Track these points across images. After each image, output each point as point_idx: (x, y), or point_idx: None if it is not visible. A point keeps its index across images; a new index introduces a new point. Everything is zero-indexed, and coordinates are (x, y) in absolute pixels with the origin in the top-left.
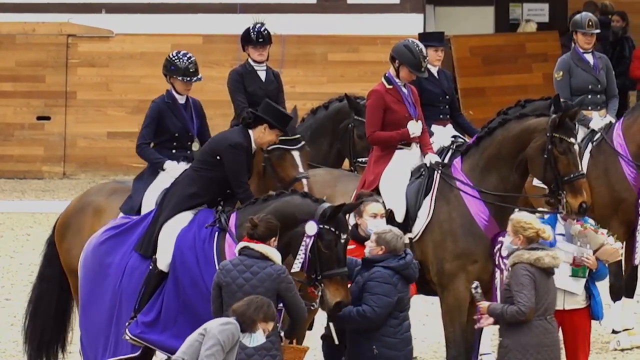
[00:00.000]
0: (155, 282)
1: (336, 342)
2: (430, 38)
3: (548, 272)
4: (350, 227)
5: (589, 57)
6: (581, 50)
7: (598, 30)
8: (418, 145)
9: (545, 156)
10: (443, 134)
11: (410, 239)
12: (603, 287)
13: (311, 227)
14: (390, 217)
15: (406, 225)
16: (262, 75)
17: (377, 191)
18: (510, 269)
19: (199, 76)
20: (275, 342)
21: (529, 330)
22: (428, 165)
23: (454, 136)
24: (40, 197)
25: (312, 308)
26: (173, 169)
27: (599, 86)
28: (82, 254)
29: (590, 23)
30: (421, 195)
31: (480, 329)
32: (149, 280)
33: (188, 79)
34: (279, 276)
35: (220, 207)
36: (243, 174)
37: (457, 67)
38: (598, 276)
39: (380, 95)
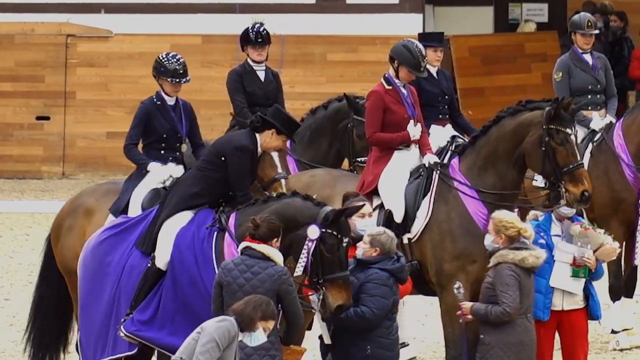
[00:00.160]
0: (152, 280)
1: (327, 341)
2: (429, 38)
3: (531, 271)
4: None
5: (587, 58)
6: (580, 51)
7: (597, 31)
8: (417, 146)
9: (543, 149)
10: (442, 134)
11: (409, 239)
12: (602, 287)
13: (313, 231)
14: (389, 218)
15: (405, 225)
16: (261, 75)
17: (376, 191)
18: (492, 268)
19: (187, 78)
20: (275, 342)
21: (512, 329)
22: (427, 165)
23: (453, 136)
24: (40, 197)
25: (312, 311)
26: (157, 171)
27: (599, 86)
28: (81, 253)
29: (589, 23)
30: (420, 196)
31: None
32: (146, 277)
33: (177, 80)
34: (279, 277)
35: (220, 208)
36: (245, 178)
37: (456, 67)
38: (596, 276)
39: (379, 96)
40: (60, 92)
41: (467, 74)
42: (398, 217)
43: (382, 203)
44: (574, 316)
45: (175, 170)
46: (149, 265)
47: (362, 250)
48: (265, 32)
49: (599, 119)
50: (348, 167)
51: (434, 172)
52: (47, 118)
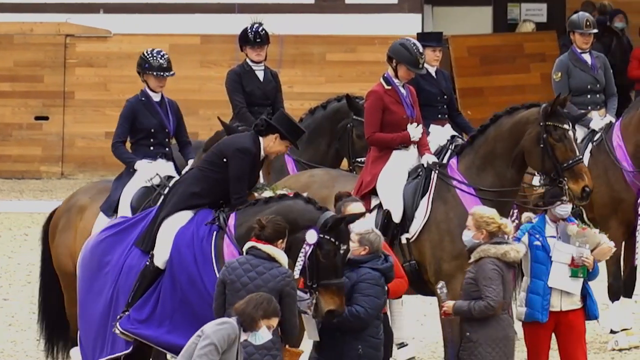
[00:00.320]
0: (150, 278)
1: (314, 338)
2: (428, 38)
3: (511, 266)
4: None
5: (586, 57)
6: (579, 51)
7: (596, 30)
8: (415, 146)
9: (542, 145)
10: (441, 134)
11: (408, 239)
12: (601, 287)
13: (311, 236)
14: (387, 218)
15: (403, 225)
16: (260, 75)
17: (374, 191)
18: (473, 264)
19: (172, 72)
20: (276, 342)
21: (497, 324)
22: (425, 165)
23: (452, 136)
24: (39, 197)
25: (306, 315)
26: (144, 169)
27: (598, 86)
28: (80, 253)
29: (587, 23)
30: (418, 196)
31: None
32: (144, 276)
33: (161, 73)
34: (283, 279)
35: (220, 208)
36: (243, 180)
37: (455, 67)
38: (592, 276)
39: (379, 96)
40: (59, 92)
41: (465, 74)
42: (396, 217)
43: (380, 203)
44: (572, 316)
45: (163, 168)
46: (147, 263)
47: (351, 249)
48: (263, 32)
49: (598, 119)
50: (347, 167)
51: (433, 172)
52: (46, 118)
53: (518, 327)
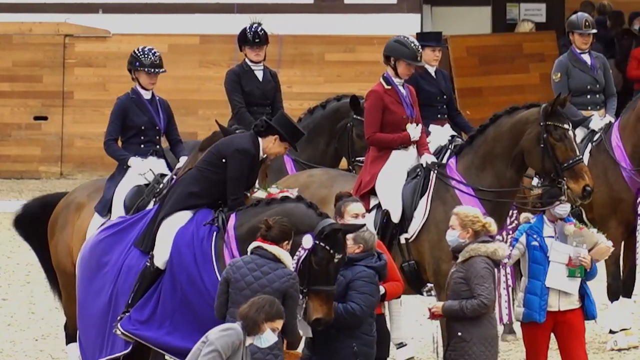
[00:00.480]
0: (150, 278)
1: (307, 334)
2: (427, 38)
3: (498, 264)
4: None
5: (586, 58)
6: (578, 51)
7: (595, 30)
8: (415, 146)
9: (542, 145)
10: (441, 134)
11: (407, 239)
12: (600, 287)
13: (307, 241)
14: (386, 218)
15: (402, 225)
16: (259, 75)
17: (373, 191)
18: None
19: (163, 69)
20: (278, 342)
21: (488, 322)
22: (424, 165)
23: (452, 136)
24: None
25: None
26: (137, 166)
27: (597, 86)
28: (79, 253)
29: (587, 23)
30: (417, 196)
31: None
32: (143, 276)
33: (153, 70)
34: (288, 280)
35: (220, 208)
36: (241, 181)
37: (454, 67)
38: (590, 275)
39: (379, 96)
40: (58, 92)
41: (465, 74)
42: (395, 217)
43: (379, 203)
44: (571, 316)
45: (156, 164)
46: (147, 264)
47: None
48: (262, 32)
49: (598, 119)
50: (347, 166)
51: (432, 172)
52: (45, 118)
53: (517, 327)
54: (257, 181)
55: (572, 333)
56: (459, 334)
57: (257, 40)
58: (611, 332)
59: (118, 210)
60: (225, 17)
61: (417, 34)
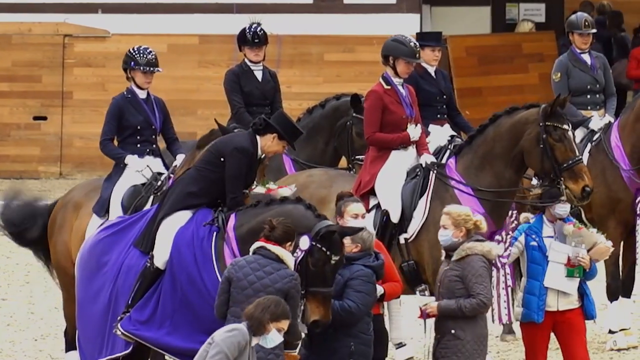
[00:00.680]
0: (150, 279)
1: (304, 331)
2: (427, 38)
3: (491, 263)
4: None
5: (586, 57)
6: (578, 51)
7: (595, 30)
8: (414, 146)
9: (541, 146)
10: (440, 134)
11: (406, 239)
12: (600, 287)
13: (304, 242)
14: (385, 218)
15: (402, 225)
16: (259, 75)
17: (372, 191)
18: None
19: (159, 68)
20: (280, 342)
21: (482, 321)
22: (423, 165)
23: (452, 136)
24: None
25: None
26: (135, 164)
27: (597, 86)
28: (78, 253)
29: (586, 23)
30: (416, 196)
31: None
32: (144, 276)
33: (149, 69)
34: (290, 281)
35: (219, 208)
36: (240, 180)
37: (453, 67)
38: (589, 275)
39: (378, 96)
40: (58, 92)
41: (464, 74)
42: (395, 217)
43: (378, 203)
44: (571, 316)
45: (152, 163)
46: (147, 264)
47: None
48: (262, 32)
49: (597, 119)
50: (347, 165)
51: (431, 172)
52: (44, 118)
53: (516, 327)
54: (255, 179)
55: (572, 332)
56: (452, 331)
57: (256, 41)
58: (610, 332)
59: (116, 211)
60: (224, 17)
61: (416, 33)
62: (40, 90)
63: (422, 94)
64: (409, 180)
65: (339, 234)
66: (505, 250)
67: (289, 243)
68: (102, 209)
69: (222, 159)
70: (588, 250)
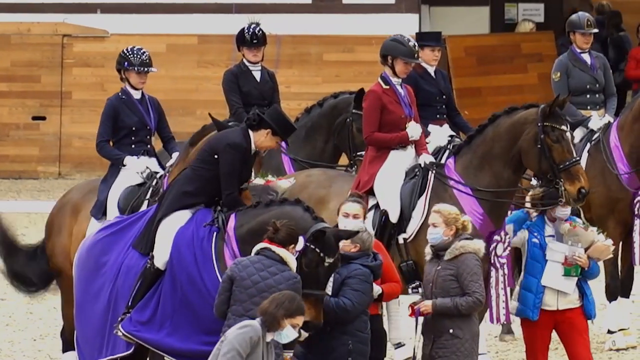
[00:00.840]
0: (150, 279)
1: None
2: (427, 38)
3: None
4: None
5: (586, 57)
6: (579, 50)
7: (596, 30)
8: (413, 146)
9: (539, 146)
10: (439, 134)
11: (405, 239)
12: (599, 287)
13: (299, 243)
14: (384, 218)
15: (400, 225)
16: (257, 75)
17: (371, 191)
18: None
19: (153, 68)
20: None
21: (475, 319)
22: (422, 165)
23: (451, 136)
24: (36, 197)
25: None
26: (133, 165)
27: (597, 85)
28: (76, 253)
29: (588, 23)
30: (415, 196)
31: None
32: (144, 277)
33: (143, 69)
34: (294, 283)
35: (218, 207)
36: (234, 176)
37: (452, 67)
38: (590, 275)
39: (377, 96)
40: (56, 92)
41: (463, 74)
42: (394, 217)
43: (377, 203)
44: (572, 315)
45: (149, 163)
46: (147, 265)
47: (341, 245)
48: (260, 32)
49: (597, 119)
50: (348, 162)
51: (430, 172)
52: (43, 118)
53: (515, 327)
54: (252, 174)
55: (573, 332)
56: (450, 330)
57: (254, 41)
58: (609, 332)
59: (113, 212)
60: (223, 17)
61: (416, 33)
62: (39, 90)
63: (421, 94)
64: (407, 180)
65: (334, 236)
66: (504, 250)
67: (292, 245)
68: (100, 211)
69: (215, 156)
70: (586, 249)
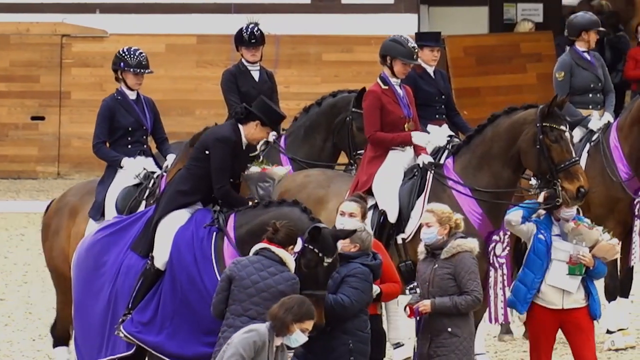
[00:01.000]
0: (151, 280)
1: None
2: (426, 38)
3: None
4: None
5: (587, 56)
6: (581, 50)
7: (603, 29)
8: (412, 146)
9: (538, 146)
10: (439, 134)
11: (403, 239)
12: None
13: (297, 244)
14: (383, 218)
15: (399, 225)
16: (256, 75)
17: (370, 191)
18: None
19: (150, 69)
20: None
21: (472, 318)
22: (421, 165)
23: (450, 136)
24: (35, 197)
25: None
26: (131, 167)
27: (600, 84)
28: (75, 253)
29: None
30: (414, 196)
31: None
32: (144, 278)
33: (139, 70)
34: (292, 284)
35: (217, 207)
36: (225, 170)
37: (451, 67)
38: (596, 274)
39: (376, 96)
40: (55, 92)
41: (462, 74)
42: (392, 218)
43: (376, 203)
44: (578, 315)
45: (146, 163)
46: (147, 266)
47: (341, 244)
48: (259, 32)
49: (597, 119)
50: (348, 161)
51: (428, 172)
52: (42, 118)
53: (514, 327)
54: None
55: (578, 332)
56: (449, 329)
57: (253, 41)
58: (608, 332)
59: (111, 213)
60: (222, 17)
61: (415, 33)
62: (38, 90)
63: (420, 94)
64: (406, 181)
65: (332, 236)
66: (503, 250)
67: (291, 247)
68: (98, 212)
69: (207, 152)
70: (591, 249)
